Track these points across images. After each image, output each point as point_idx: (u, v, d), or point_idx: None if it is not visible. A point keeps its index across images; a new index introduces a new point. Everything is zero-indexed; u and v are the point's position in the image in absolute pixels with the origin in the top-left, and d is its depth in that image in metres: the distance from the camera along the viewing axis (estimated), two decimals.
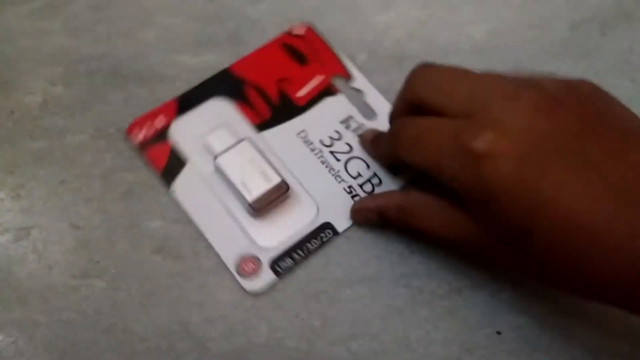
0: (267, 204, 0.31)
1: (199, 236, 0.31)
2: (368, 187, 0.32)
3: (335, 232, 0.31)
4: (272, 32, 0.37)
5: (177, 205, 0.32)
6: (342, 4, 0.39)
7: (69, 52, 0.35)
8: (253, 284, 0.30)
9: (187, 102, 0.34)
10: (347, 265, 0.31)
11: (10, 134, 0.33)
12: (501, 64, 0.37)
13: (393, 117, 0.30)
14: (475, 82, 0.26)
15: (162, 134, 0.33)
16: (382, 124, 0.34)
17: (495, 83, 0.25)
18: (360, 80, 0.35)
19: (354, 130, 0.34)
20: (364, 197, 0.32)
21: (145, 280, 0.30)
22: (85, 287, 0.30)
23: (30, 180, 0.32)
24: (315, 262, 0.31)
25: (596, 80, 0.37)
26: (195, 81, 0.35)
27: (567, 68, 0.37)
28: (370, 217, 0.30)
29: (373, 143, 0.32)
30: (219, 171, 0.31)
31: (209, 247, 0.31)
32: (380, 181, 0.33)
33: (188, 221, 0.31)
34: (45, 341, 0.28)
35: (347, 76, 0.35)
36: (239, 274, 0.30)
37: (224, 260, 0.30)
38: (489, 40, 0.38)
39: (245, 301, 0.30)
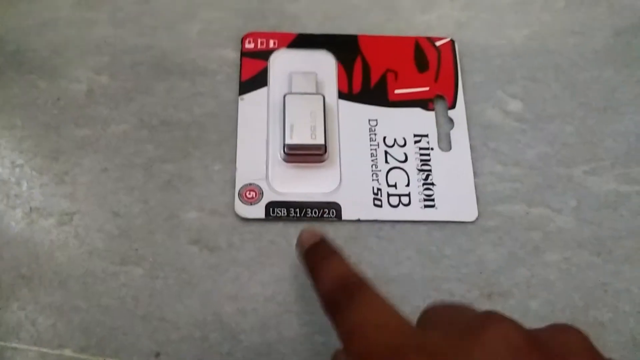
0: (299, 156, 0.32)
1: (234, 228, 0.31)
2: (394, 201, 0.32)
3: (339, 217, 0.31)
4: (311, 28, 0.37)
5: (213, 197, 0.32)
6: (382, 3, 0.38)
7: (114, 43, 0.35)
8: (244, 210, 0.31)
9: (304, 41, 0.36)
10: (378, 265, 0.31)
11: (55, 121, 0.33)
12: (542, 68, 0.36)
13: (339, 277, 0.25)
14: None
15: (265, 54, 0.35)
16: (451, 157, 0.33)
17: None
18: (459, 113, 0.34)
19: (420, 148, 0.33)
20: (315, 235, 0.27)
21: (181, 270, 0.30)
22: (124, 274, 0.30)
23: (74, 167, 0.32)
24: None
25: (637, 89, 0.36)
26: (235, 75, 0.35)
27: (609, 76, 0.36)
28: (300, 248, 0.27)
29: (308, 253, 0.27)
30: (282, 106, 0.32)
31: (244, 240, 0.31)
32: (410, 202, 0.32)
33: (224, 213, 0.31)
34: (83, 325, 0.29)
35: (451, 103, 0.35)
36: (239, 196, 0.31)
37: (236, 177, 0.32)
38: (530, 44, 0.37)
39: (277, 295, 0.30)
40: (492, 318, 0.19)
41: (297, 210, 0.31)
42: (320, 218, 0.31)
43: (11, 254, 0.30)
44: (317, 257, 0.26)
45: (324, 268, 0.25)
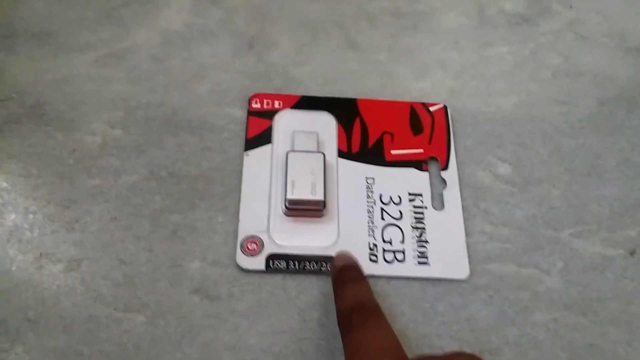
0: (299, 210, 0.33)
1: (235, 279, 0.32)
2: (389, 257, 0.33)
3: None
4: (314, 90, 0.38)
5: (216, 248, 0.32)
6: (380, 69, 0.40)
7: (129, 99, 0.37)
8: (245, 262, 0.32)
9: (307, 102, 0.38)
10: None
11: (69, 171, 0.34)
12: (530, 134, 0.38)
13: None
14: None
15: (270, 114, 0.37)
16: (444, 216, 0.34)
17: None
18: (451, 174, 0.36)
19: (414, 207, 0.34)
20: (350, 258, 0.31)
21: (182, 319, 0.31)
22: (127, 320, 0.30)
23: (84, 215, 0.33)
24: None
25: (620, 156, 0.37)
26: (241, 132, 0.36)
27: (593, 143, 0.38)
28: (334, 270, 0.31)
29: (340, 272, 0.30)
30: (285, 162, 0.34)
31: (244, 291, 0.32)
32: (404, 259, 0.33)
33: (225, 264, 0.32)
34: None
35: (444, 165, 0.36)
36: (241, 247, 0.32)
37: (239, 229, 0.33)
38: (518, 111, 0.39)
39: (274, 347, 0.30)
40: (459, 356, 0.24)
41: (296, 263, 0.32)
42: (319, 271, 0.32)
43: (19, 298, 0.30)
44: (347, 277, 0.29)
45: (348, 288, 0.28)
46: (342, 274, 0.29)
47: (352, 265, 0.30)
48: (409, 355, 0.24)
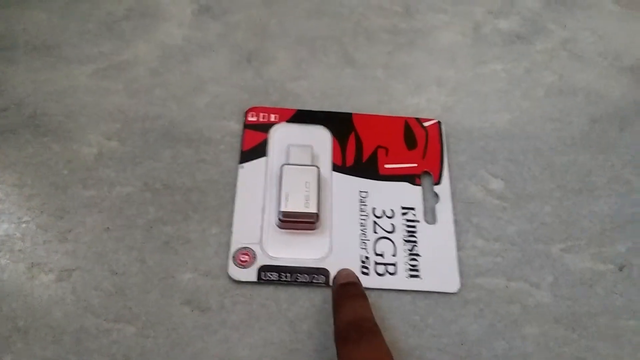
0: (293, 223, 0.33)
1: (226, 290, 0.32)
2: (381, 270, 0.33)
3: (328, 283, 0.32)
4: (310, 105, 0.39)
5: (208, 259, 0.33)
6: (376, 85, 0.40)
7: (126, 111, 0.37)
8: (237, 273, 0.32)
9: (302, 116, 0.38)
10: None
11: (64, 181, 0.34)
12: (522, 151, 0.38)
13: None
14: None
15: (266, 127, 0.37)
16: (436, 230, 0.34)
17: None
18: (444, 189, 0.36)
19: (407, 220, 0.34)
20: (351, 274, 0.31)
21: (172, 330, 0.31)
22: (116, 331, 0.30)
23: (77, 226, 0.33)
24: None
25: (611, 173, 0.37)
26: (237, 145, 0.37)
27: (585, 160, 0.38)
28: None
29: (341, 288, 0.30)
30: (279, 175, 0.34)
31: (235, 302, 0.32)
32: (396, 272, 0.33)
33: (217, 275, 0.32)
34: None
35: (437, 179, 0.36)
36: (233, 259, 0.32)
37: (232, 240, 0.33)
38: (511, 128, 0.39)
39: (264, 359, 0.30)
40: None
41: (288, 274, 0.32)
42: (310, 283, 0.32)
43: (9, 307, 0.30)
44: (347, 293, 0.29)
45: (348, 304, 0.28)
46: (344, 289, 0.29)
47: (354, 283, 0.30)
48: None
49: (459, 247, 0.34)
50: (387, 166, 0.36)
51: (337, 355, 0.26)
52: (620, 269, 0.34)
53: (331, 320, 0.31)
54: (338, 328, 0.27)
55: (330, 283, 0.32)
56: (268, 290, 0.32)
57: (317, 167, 0.35)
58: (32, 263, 0.32)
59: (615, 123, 0.40)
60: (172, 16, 0.42)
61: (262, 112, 0.38)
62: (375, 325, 0.27)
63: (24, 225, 0.33)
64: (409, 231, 0.34)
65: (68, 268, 0.32)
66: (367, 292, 0.32)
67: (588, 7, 0.46)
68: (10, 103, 0.37)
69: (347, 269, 0.32)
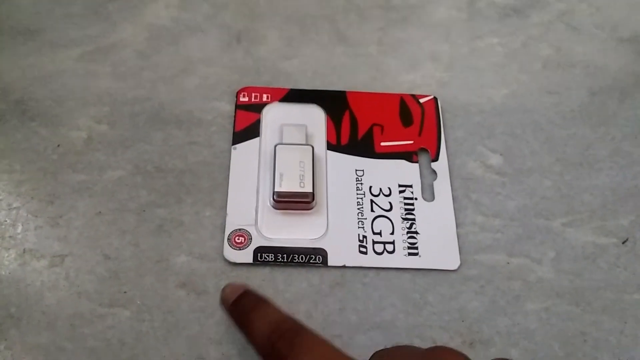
0: (288, 203, 0.33)
1: (222, 272, 0.31)
2: (379, 248, 0.32)
3: (325, 263, 0.32)
4: (303, 84, 0.38)
5: (203, 242, 0.32)
6: (370, 62, 0.40)
7: (115, 94, 0.37)
8: (232, 255, 0.32)
9: (295, 95, 0.37)
10: (362, 311, 0.31)
11: (54, 166, 0.34)
12: (520, 125, 0.38)
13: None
14: None
15: (259, 107, 0.37)
16: (434, 208, 0.34)
17: None
18: (442, 165, 0.35)
19: (404, 198, 0.34)
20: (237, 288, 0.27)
21: (168, 314, 0.30)
22: (111, 316, 0.30)
23: (69, 211, 0.33)
24: (332, 306, 0.31)
25: (612, 146, 0.37)
26: (229, 126, 0.36)
27: (585, 133, 0.38)
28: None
29: (234, 307, 0.26)
30: (273, 155, 0.33)
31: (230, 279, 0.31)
32: (394, 250, 0.32)
33: (213, 258, 0.32)
34: None
35: (434, 156, 0.36)
36: (228, 241, 0.32)
37: (226, 222, 0.32)
38: (509, 102, 0.39)
39: None
40: (442, 350, 0.21)
41: (285, 255, 0.32)
42: (307, 263, 0.32)
43: (2, 294, 0.30)
44: (244, 308, 0.25)
45: (254, 319, 0.25)
46: (239, 306, 0.26)
47: (244, 294, 0.26)
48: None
49: (458, 224, 0.34)
50: (383, 144, 0.36)
51: None
52: (623, 242, 0.34)
53: (329, 300, 0.30)
54: (260, 348, 0.24)
55: (223, 304, 0.27)
56: (264, 271, 0.32)
57: (311, 146, 0.34)
58: (24, 249, 0.31)
59: (615, 95, 0.40)
60: None
61: (254, 92, 0.37)
62: (297, 323, 0.24)
63: (14, 211, 0.32)
64: (406, 209, 0.34)
65: (60, 254, 0.31)
66: (365, 272, 0.32)
67: None
68: None
69: (229, 283, 0.28)
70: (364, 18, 0.42)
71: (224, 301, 0.27)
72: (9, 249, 0.31)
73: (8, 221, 0.32)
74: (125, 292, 0.31)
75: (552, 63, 0.41)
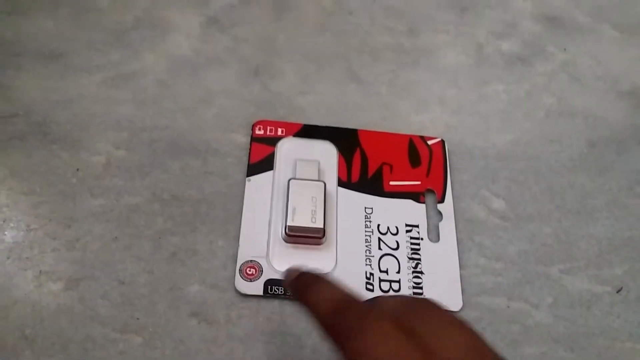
0: (299, 237, 0.34)
1: (232, 303, 0.32)
2: (385, 286, 0.33)
3: None
4: (316, 119, 0.39)
5: (215, 272, 0.33)
6: (381, 101, 0.41)
7: (134, 121, 0.38)
8: (243, 286, 0.32)
9: (309, 131, 0.39)
10: None
11: (72, 189, 0.35)
12: (523, 171, 0.39)
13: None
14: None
15: (273, 140, 0.38)
16: (439, 248, 0.35)
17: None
18: (447, 207, 0.37)
19: (411, 238, 0.35)
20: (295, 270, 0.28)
21: (179, 342, 0.31)
22: (123, 342, 0.30)
23: (85, 235, 0.33)
24: None
25: (609, 196, 0.39)
26: (244, 158, 0.37)
27: (583, 182, 0.39)
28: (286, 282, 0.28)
29: (294, 282, 0.27)
30: (286, 190, 0.35)
31: (241, 316, 0.32)
32: (400, 289, 0.33)
33: (224, 288, 0.33)
34: None
35: (440, 197, 0.37)
36: (240, 272, 0.33)
37: (239, 253, 0.33)
38: (512, 149, 0.40)
39: None
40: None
41: None
42: None
43: (17, 315, 0.31)
44: (308, 281, 0.26)
45: (313, 293, 0.25)
46: (301, 280, 0.26)
47: (303, 272, 0.27)
48: None
49: (462, 266, 0.35)
50: (392, 183, 0.37)
51: (339, 349, 0.22)
52: (618, 291, 0.35)
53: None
54: (325, 320, 0.23)
55: (285, 283, 0.28)
56: (274, 304, 0.33)
57: (323, 182, 0.35)
58: (40, 271, 0.32)
59: (613, 147, 0.41)
60: (180, 28, 0.42)
61: (269, 126, 0.38)
62: (360, 301, 0.24)
63: (32, 232, 0.33)
64: (412, 249, 0.35)
65: (76, 277, 0.32)
66: None
67: (588, 32, 0.47)
68: (18, 110, 0.37)
69: (291, 267, 0.28)
70: (376, 59, 0.43)
71: (286, 279, 0.27)
72: (25, 270, 0.32)
73: (26, 242, 0.33)
74: (138, 318, 0.31)
75: (554, 112, 0.43)
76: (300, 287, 0.26)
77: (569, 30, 0.47)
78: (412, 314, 0.22)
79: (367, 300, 0.25)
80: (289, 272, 0.27)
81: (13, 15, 0.41)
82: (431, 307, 0.23)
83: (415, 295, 0.23)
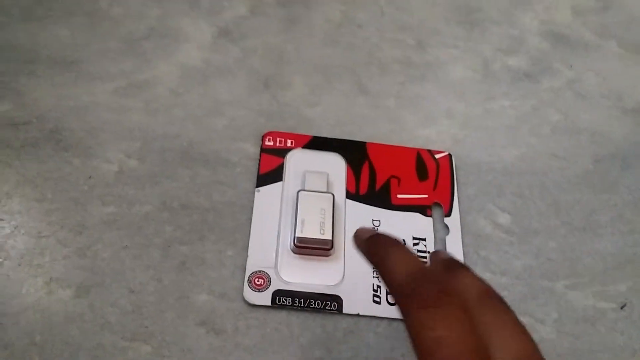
0: (307, 248, 0.34)
1: (240, 313, 0.32)
2: (392, 299, 0.34)
3: (340, 310, 0.33)
4: (325, 131, 0.40)
5: (224, 281, 0.33)
6: (389, 114, 0.42)
7: (146, 129, 0.38)
8: (252, 296, 0.33)
9: (318, 143, 0.39)
10: None
11: (84, 197, 0.35)
12: (529, 186, 0.39)
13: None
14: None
15: (283, 152, 0.38)
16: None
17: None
18: (454, 221, 0.37)
19: (418, 251, 0.35)
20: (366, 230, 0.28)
21: (187, 351, 0.31)
22: (132, 350, 0.31)
23: (96, 242, 0.33)
24: (345, 354, 0.32)
25: (614, 213, 0.39)
26: (253, 168, 0.37)
27: (589, 198, 0.40)
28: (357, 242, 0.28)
29: (370, 241, 0.27)
30: (296, 200, 0.35)
31: (249, 326, 0.32)
32: None
33: (232, 298, 0.33)
34: None
35: (447, 211, 0.37)
36: (248, 282, 0.33)
37: (247, 263, 0.33)
38: (518, 163, 0.41)
39: None
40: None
41: (302, 300, 0.33)
42: (323, 309, 0.33)
43: (27, 321, 0.31)
44: (378, 244, 0.25)
45: (389, 256, 0.24)
46: (376, 240, 0.26)
47: (380, 234, 0.26)
48: None
49: None
50: (399, 196, 0.37)
51: (407, 317, 0.22)
52: (621, 308, 0.35)
53: (342, 347, 0.31)
54: (398, 287, 0.23)
55: (356, 240, 0.27)
56: (281, 314, 0.33)
57: (332, 194, 0.36)
58: (51, 278, 0.32)
59: (617, 163, 0.42)
60: (192, 38, 0.43)
61: (278, 137, 0.39)
62: (438, 272, 0.24)
63: (43, 239, 0.33)
64: None
65: (86, 284, 0.32)
66: (377, 322, 0.33)
67: (593, 49, 0.48)
68: (32, 117, 0.37)
69: (362, 226, 0.28)
70: (384, 72, 0.44)
71: (356, 238, 0.27)
72: (36, 276, 0.32)
73: (37, 249, 0.33)
74: (146, 326, 0.31)
75: (560, 128, 0.43)
76: (374, 248, 0.26)
77: (575, 47, 0.48)
78: (484, 308, 0.22)
79: (444, 268, 0.25)
80: (361, 230, 0.27)
81: (28, 22, 0.42)
82: (501, 306, 0.23)
83: (487, 285, 0.22)
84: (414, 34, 0.46)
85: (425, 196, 0.38)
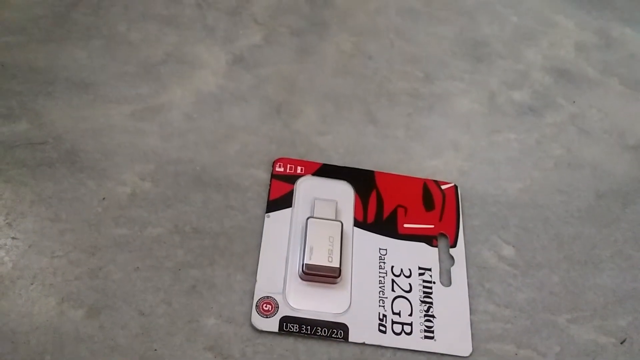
0: (316, 276, 0.34)
1: (248, 339, 0.32)
2: (398, 329, 0.33)
3: (346, 338, 0.33)
4: (334, 159, 0.40)
5: (232, 306, 0.33)
6: (397, 144, 0.42)
7: (160, 153, 0.38)
8: (259, 322, 0.32)
9: (327, 171, 0.39)
10: None
11: (97, 218, 0.35)
12: (532, 219, 0.40)
13: None
14: None
15: (293, 178, 0.38)
16: (451, 293, 0.35)
17: None
18: (459, 252, 0.37)
19: (424, 281, 0.35)
20: None
21: None
22: None
23: (108, 264, 0.33)
24: None
25: (615, 248, 0.39)
26: (264, 194, 0.38)
27: (591, 233, 0.40)
28: None
29: None
30: (305, 227, 0.35)
31: (256, 352, 0.32)
32: (412, 332, 0.34)
33: (240, 323, 0.33)
34: None
35: (452, 242, 0.37)
36: (256, 308, 0.33)
37: (256, 288, 0.33)
38: (522, 197, 0.41)
39: None
40: None
41: (308, 327, 0.33)
42: (329, 337, 0.33)
43: (38, 341, 0.31)
44: None
45: None
46: None
47: None
48: None
49: (472, 311, 0.35)
50: (406, 225, 0.38)
51: None
52: (622, 342, 0.35)
53: None
54: None
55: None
56: (288, 341, 0.33)
57: (340, 222, 0.36)
58: (63, 298, 0.32)
59: (619, 199, 0.42)
60: (207, 64, 0.43)
61: (289, 164, 0.39)
62: None
63: (56, 259, 0.33)
64: (425, 292, 0.35)
65: (97, 306, 0.32)
66: (382, 351, 0.33)
67: (596, 86, 0.48)
68: (48, 137, 0.38)
69: None
70: (393, 102, 0.44)
71: None
72: (48, 296, 0.32)
73: (49, 269, 0.33)
74: (155, 349, 0.31)
75: (563, 163, 0.43)
76: None
77: (578, 83, 0.48)
78: None
79: None
80: None
81: (48, 43, 0.42)
82: None
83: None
84: (422, 66, 0.47)
85: (432, 226, 0.38)
